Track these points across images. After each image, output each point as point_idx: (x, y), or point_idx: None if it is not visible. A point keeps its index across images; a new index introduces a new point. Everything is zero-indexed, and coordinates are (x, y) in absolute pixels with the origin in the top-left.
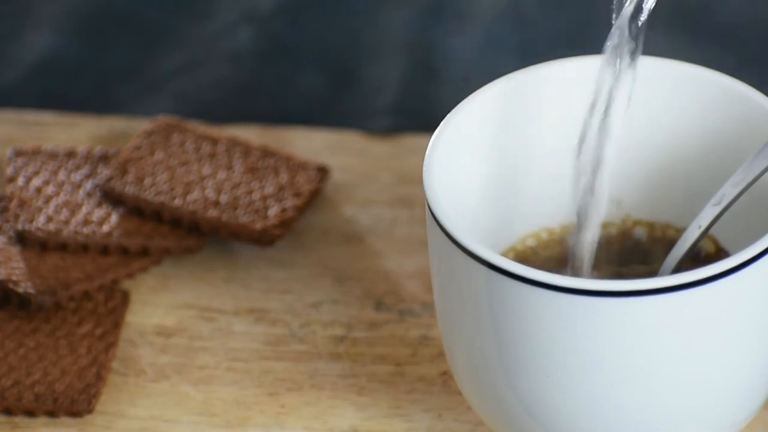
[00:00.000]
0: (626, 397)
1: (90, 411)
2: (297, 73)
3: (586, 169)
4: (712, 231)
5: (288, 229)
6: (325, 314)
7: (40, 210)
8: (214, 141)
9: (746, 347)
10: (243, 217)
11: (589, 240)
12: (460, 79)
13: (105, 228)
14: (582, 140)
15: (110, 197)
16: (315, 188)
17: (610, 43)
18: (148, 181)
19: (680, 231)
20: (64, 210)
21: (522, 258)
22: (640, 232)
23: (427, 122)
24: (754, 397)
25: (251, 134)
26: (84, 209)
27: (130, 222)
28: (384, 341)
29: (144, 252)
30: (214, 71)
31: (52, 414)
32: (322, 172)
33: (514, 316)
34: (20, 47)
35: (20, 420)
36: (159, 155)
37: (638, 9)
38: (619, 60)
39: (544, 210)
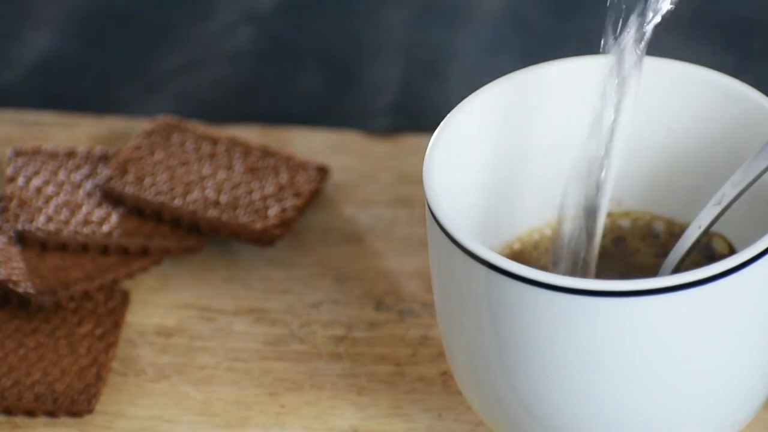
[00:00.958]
0: (626, 397)
1: (90, 411)
2: (297, 73)
3: (593, 168)
4: (725, 233)
5: (288, 229)
6: (325, 314)
7: (40, 210)
8: (214, 141)
9: (746, 347)
10: (243, 217)
11: (596, 234)
12: (460, 79)
13: (105, 228)
14: (591, 138)
15: (110, 197)
16: (315, 188)
17: (617, 44)
18: (148, 181)
19: (682, 228)
20: (64, 210)
21: (522, 254)
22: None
23: (427, 122)
24: (754, 397)
25: (251, 134)
26: (84, 209)
27: (130, 222)
28: (384, 341)
29: (144, 252)
30: (214, 71)
31: (52, 414)
32: (322, 172)
33: (514, 316)
34: (20, 47)
35: (20, 420)
36: (159, 155)
37: (649, 11)
38: (627, 60)
39: (544, 209)
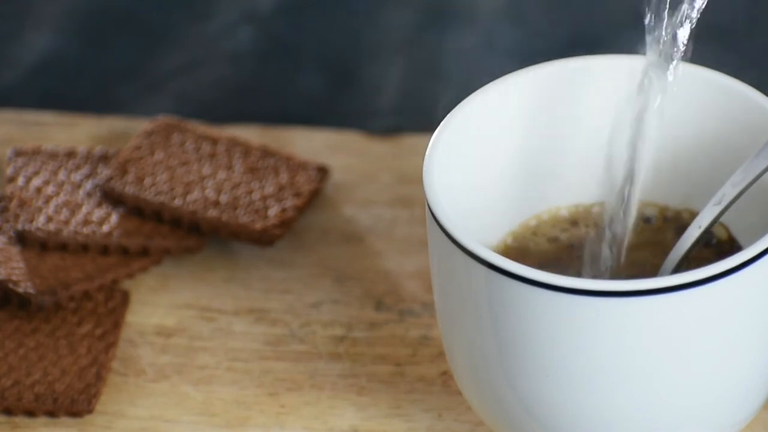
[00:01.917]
0: (626, 397)
1: (90, 411)
2: (297, 73)
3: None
4: (723, 219)
5: (288, 229)
6: (325, 314)
7: (40, 210)
8: (214, 141)
9: (746, 347)
10: (243, 217)
11: (627, 227)
12: (460, 79)
13: (105, 228)
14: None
15: (110, 197)
16: (315, 188)
17: (655, 47)
18: (148, 181)
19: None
20: (64, 210)
21: (522, 242)
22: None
23: (427, 122)
24: (754, 397)
25: (251, 134)
26: (84, 209)
27: (130, 222)
28: (384, 341)
29: (144, 252)
30: (214, 71)
31: (52, 414)
32: (322, 172)
33: (514, 316)
34: (20, 47)
35: (20, 420)
36: (159, 155)
37: (685, 17)
38: (664, 63)
39: (544, 208)
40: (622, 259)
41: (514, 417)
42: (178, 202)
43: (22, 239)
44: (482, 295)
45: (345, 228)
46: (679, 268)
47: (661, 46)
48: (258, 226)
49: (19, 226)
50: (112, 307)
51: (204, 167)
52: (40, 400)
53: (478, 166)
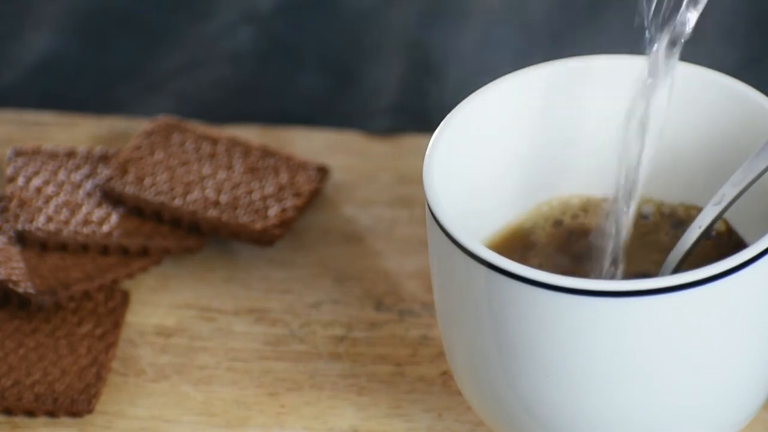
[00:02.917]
0: (626, 397)
1: (90, 411)
2: (297, 73)
3: (627, 160)
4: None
5: (288, 229)
6: (325, 314)
7: (40, 210)
8: (214, 141)
9: (746, 347)
10: (243, 217)
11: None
12: (460, 79)
13: (105, 228)
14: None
15: (110, 197)
16: (315, 188)
17: (652, 47)
18: (148, 181)
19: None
20: (64, 210)
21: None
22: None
23: (427, 122)
24: (754, 397)
25: (251, 134)
26: (84, 209)
27: (130, 222)
28: (384, 341)
29: (144, 252)
30: (214, 71)
31: (52, 414)
32: (322, 172)
33: (514, 316)
34: (20, 47)
35: (20, 420)
36: (159, 155)
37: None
38: (663, 62)
39: (544, 208)
40: (622, 257)
41: (514, 417)
42: (178, 202)
43: (22, 239)
44: (482, 295)
45: (345, 228)
46: (679, 268)
47: (662, 43)
48: (258, 226)
49: (19, 226)
50: (112, 307)
51: (204, 167)
52: (40, 400)
53: (478, 166)
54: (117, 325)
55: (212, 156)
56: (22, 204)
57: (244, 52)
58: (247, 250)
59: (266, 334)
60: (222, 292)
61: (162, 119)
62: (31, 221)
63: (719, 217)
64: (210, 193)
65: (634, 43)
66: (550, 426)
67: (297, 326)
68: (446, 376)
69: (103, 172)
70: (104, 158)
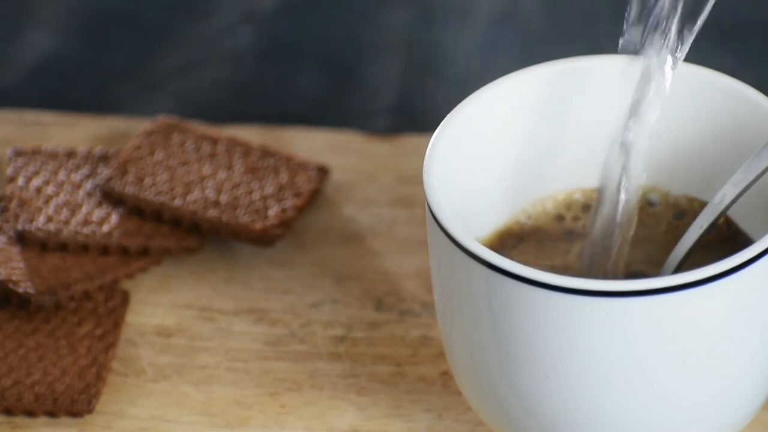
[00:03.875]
0: (626, 397)
1: (90, 411)
2: (297, 73)
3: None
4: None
5: (288, 229)
6: (325, 314)
7: (40, 210)
8: (214, 141)
9: (746, 347)
10: (243, 217)
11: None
12: (460, 79)
13: (105, 228)
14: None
15: (110, 197)
16: (315, 188)
17: (651, 48)
18: (148, 181)
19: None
20: (64, 210)
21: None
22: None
23: (427, 122)
24: (754, 397)
25: (251, 134)
26: (84, 209)
27: (130, 222)
28: (384, 341)
29: (144, 252)
30: (214, 71)
31: (52, 414)
32: (322, 172)
33: (514, 316)
34: (20, 47)
35: (20, 420)
36: (159, 155)
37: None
38: (662, 66)
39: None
40: (621, 260)
41: (513, 417)
42: (178, 202)
43: (22, 239)
44: (482, 295)
45: (345, 228)
46: (680, 268)
47: (663, 42)
48: (258, 226)
49: (19, 226)
50: (112, 307)
51: (204, 167)
52: (40, 400)
53: (478, 166)
54: (117, 325)
55: (212, 156)
56: (22, 204)
57: (244, 52)
58: (247, 250)
59: (266, 334)
60: (222, 292)
61: (162, 119)
62: (31, 221)
63: (720, 216)
64: (210, 193)
65: (635, 43)
66: (550, 426)
67: (297, 326)
68: (446, 376)
69: (103, 172)
70: (104, 158)
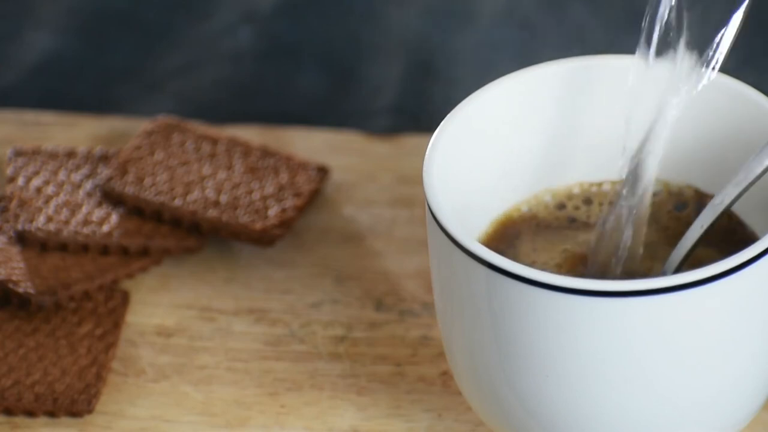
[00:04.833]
0: (626, 397)
1: (90, 411)
2: (297, 73)
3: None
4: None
5: (288, 229)
6: (325, 314)
7: (40, 210)
8: (214, 141)
9: (746, 347)
10: (243, 217)
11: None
12: (460, 79)
13: (105, 228)
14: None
15: (110, 197)
16: (315, 188)
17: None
18: (148, 181)
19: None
20: (64, 210)
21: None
22: None
23: (427, 122)
24: (754, 397)
25: (251, 134)
26: (84, 209)
27: (130, 222)
28: (384, 341)
29: (144, 252)
30: (214, 71)
31: (52, 414)
32: (322, 172)
33: (514, 316)
34: (20, 47)
35: (20, 420)
36: (159, 155)
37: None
38: (690, 75)
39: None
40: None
41: (514, 417)
42: (178, 202)
43: (22, 239)
44: (482, 295)
45: (345, 228)
46: (680, 268)
47: (689, 50)
48: (258, 226)
49: (19, 226)
50: (112, 307)
51: (204, 167)
52: (40, 400)
53: (479, 166)
54: (117, 325)
55: (212, 156)
56: (22, 204)
57: (244, 52)
58: (247, 250)
59: (266, 334)
60: (222, 292)
61: (162, 119)
62: (31, 221)
63: (721, 216)
64: (210, 193)
65: (634, 44)
66: (550, 426)
67: (297, 326)
68: (446, 376)
69: (103, 172)
70: (104, 158)
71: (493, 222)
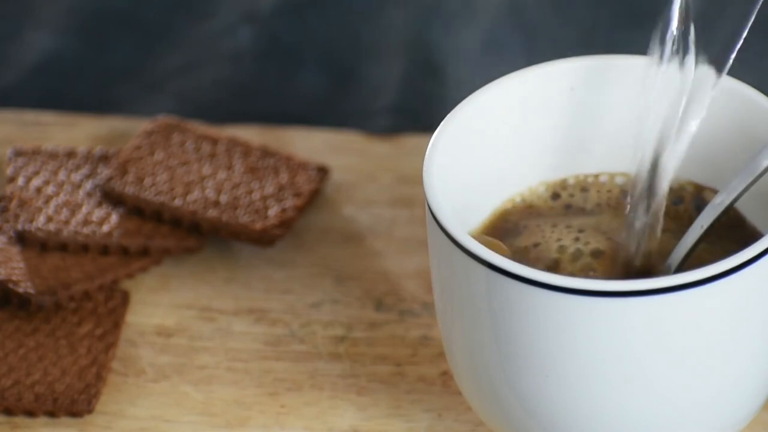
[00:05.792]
0: (626, 397)
1: (90, 411)
2: (297, 73)
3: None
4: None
5: (288, 229)
6: (325, 314)
7: (40, 210)
8: (214, 141)
9: (746, 347)
10: (243, 217)
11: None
12: (460, 79)
13: (105, 228)
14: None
15: (110, 197)
16: (315, 188)
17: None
18: (148, 181)
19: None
20: (64, 210)
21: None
22: None
23: (427, 122)
24: (754, 397)
25: (251, 134)
26: (84, 209)
27: (130, 222)
28: (384, 341)
29: (144, 252)
30: (214, 71)
31: (52, 414)
32: (322, 172)
33: (514, 316)
34: (20, 47)
35: (20, 420)
36: (159, 155)
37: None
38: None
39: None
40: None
41: (514, 417)
42: (178, 202)
43: (22, 239)
44: (482, 295)
45: (345, 228)
46: (681, 268)
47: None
48: (258, 226)
49: (19, 226)
50: (112, 307)
51: (204, 167)
52: (40, 400)
53: (478, 166)
54: (117, 325)
55: (212, 156)
56: (22, 204)
57: (244, 52)
58: (247, 250)
59: (266, 334)
60: (222, 292)
61: (162, 119)
62: (31, 221)
63: (721, 216)
64: (210, 193)
65: (634, 44)
66: (550, 426)
67: (297, 326)
68: (446, 376)
69: (103, 172)
70: (104, 158)
71: (491, 214)
